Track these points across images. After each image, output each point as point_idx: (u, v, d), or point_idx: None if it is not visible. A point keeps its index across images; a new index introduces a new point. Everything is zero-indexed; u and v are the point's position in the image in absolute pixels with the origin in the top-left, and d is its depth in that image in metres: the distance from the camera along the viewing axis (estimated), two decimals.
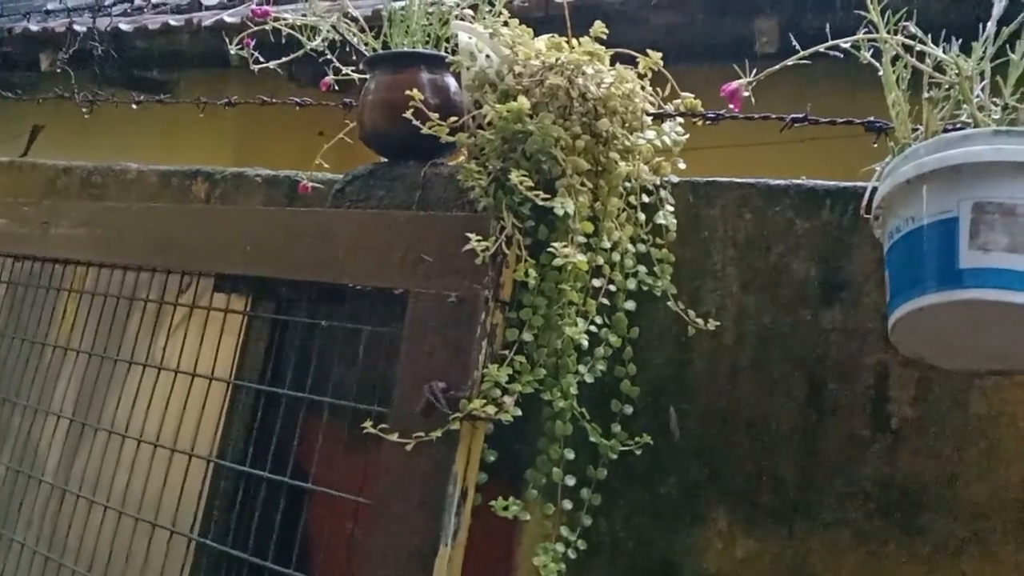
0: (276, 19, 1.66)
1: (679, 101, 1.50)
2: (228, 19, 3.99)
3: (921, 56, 1.13)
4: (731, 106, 1.16)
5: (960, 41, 1.13)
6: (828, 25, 1.16)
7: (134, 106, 2.68)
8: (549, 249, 1.29)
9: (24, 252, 2.19)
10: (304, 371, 1.60)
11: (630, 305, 1.40)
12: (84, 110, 2.74)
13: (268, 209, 1.83)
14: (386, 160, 1.68)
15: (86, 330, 2.02)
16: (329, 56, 1.75)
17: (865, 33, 1.12)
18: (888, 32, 1.11)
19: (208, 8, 4.44)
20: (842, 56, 1.13)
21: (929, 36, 1.15)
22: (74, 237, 2.02)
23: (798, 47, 1.18)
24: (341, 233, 1.53)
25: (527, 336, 1.34)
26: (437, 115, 1.43)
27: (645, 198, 1.43)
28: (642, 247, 1.41)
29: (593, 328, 1.35)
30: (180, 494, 1.69)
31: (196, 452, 1.70)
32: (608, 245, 1.37)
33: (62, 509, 1.90)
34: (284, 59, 1.71)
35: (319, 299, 1.60)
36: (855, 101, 1.56)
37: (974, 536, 1.19)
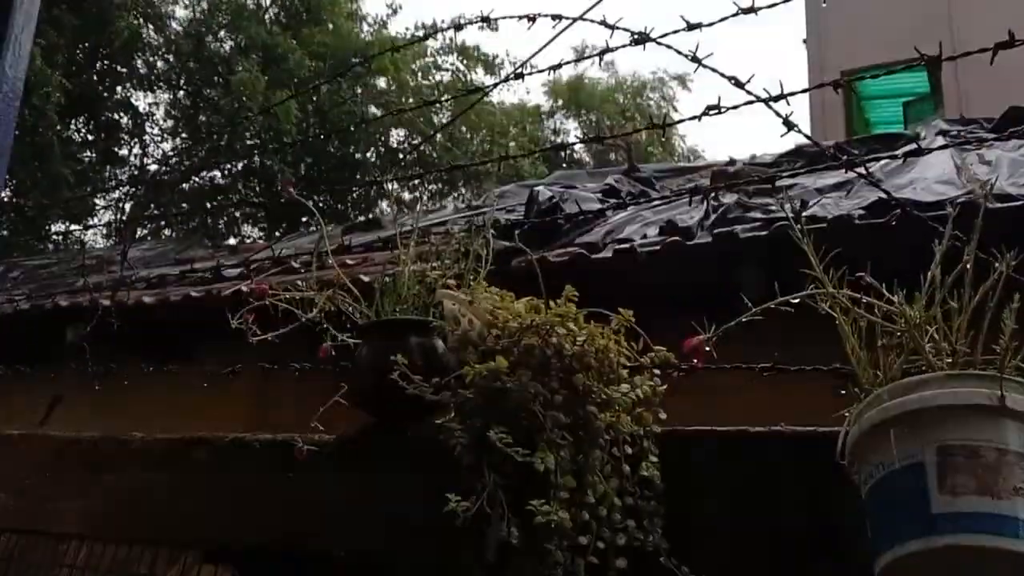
0: (274, 294, 1.77)
1: (653, 354, 1.55)
2: (245, 289, 4.23)
3: (871, 307, 1.19)
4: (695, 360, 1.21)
5: (905, 291, 1.19)
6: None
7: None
8: (528, 507, 1.28)
9: (19, 527, 2.17)
10: None
11: (622, 563, 1.36)
12: (96, 386, 2.83)
13: (260, 477, 1.83)
14: (377, 421, 1.71)
15: None
16: (325, 325, 1.84)
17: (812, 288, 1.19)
18: (833, 286, 1.17)
19: (228, 279, 4.71)
20: (792, 310, 1.19)
21: (884, 285, 1.21)
22: (70, 511, 2.02)
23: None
24: (330, 501, 1.53)
25: None
26: (423, 376, 1.48)
27: (629, 450, 1.44)
28: (630, 500, 1.40)
29: None
30: None
31: None
32: (593, 500, 1.36)
33: None
34: (281, 330, 1.80)
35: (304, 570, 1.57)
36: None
37: None
